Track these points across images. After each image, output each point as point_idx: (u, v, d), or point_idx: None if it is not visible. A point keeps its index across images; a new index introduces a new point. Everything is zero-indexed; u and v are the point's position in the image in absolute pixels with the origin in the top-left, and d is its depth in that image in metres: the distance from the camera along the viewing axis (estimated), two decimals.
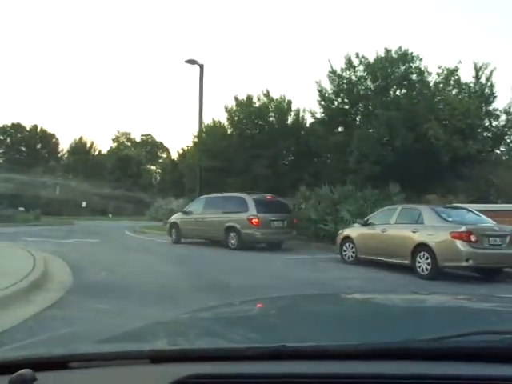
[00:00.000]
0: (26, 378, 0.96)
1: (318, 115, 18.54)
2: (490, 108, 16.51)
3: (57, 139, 55.21)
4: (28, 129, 53.81)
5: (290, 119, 19.74)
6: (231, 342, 1.28)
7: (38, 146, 53.97)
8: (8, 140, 53.42)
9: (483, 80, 16.30)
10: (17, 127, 53.38)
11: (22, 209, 31.02)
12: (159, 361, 1.04)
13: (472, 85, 16.38)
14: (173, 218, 17.25)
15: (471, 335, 1.05)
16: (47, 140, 54.35)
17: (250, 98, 19.65)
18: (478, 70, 16.28)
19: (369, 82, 17.09)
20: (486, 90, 16.28)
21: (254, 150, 18.45)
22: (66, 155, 55.11)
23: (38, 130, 54.15)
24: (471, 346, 1.03)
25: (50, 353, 1.15)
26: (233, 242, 14.75)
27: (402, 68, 16.62)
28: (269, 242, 15.00)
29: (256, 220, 14.42)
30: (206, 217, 15.65)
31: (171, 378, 0.94)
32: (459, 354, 1.01)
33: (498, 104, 16.23)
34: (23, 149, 53.19)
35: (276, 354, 1.01)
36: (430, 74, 16.73)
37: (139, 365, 1.05)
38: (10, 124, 53.18)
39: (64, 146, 55.86)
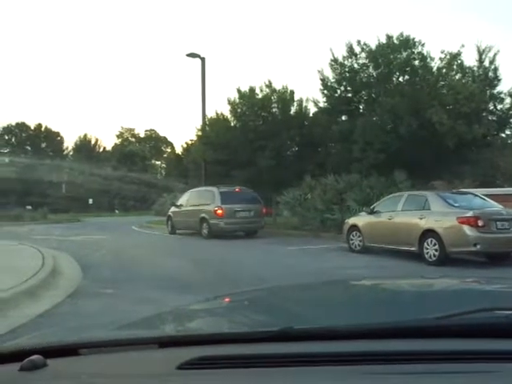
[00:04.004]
0: (36, 364, 0.97)
1: (321, 104, 18.52)
2: (495, 91, 16.41)
3: (61, 137, 55.45)
4: (32, 128, 54.00)
5: (293, 109, 19.66)
6: (239, 326, 1.29)
7: (43, 145, 54.18)
8: (13, 140, 53.65)
9: (487, 63, 16.19)
10: (21, 126, 53.58)
11: (29, 207, 31.26)
12: (167, 345, 1.06)
13: (475, 68, 16.28)
14: (169, 211, 18.42)
15: (478, 312, 1.06)
16: (52, 138, 54.54)
17: (252, 90, 19.59)
18: (481, 53, 16.17)
19: (371, 70, 17.01)
20: (490, 74, 16.17)
21: (257, 142, 18.41)
22: (71, 153, 55.30)
23: (43, 128, 54.34)
24: (478, 323, 1.04)
25: (61, 340, 1.17)
26: (205, 231, 15.79)
27: (404, 54, 16.51)
28: (235, 230, 15.83)
29: (220, 211, 15.44)
30: (188, 209, 16.79)
31: (180, 360, 0.95)
32: (467, 330, 1.02)
33: (503, 87, 16.16)
34: (28, 148, 53.40)
35: (283, 336, 1.02)
36: (432, 59, 16.62)
37: (148, 349, 1.06)
38: (14, 124, 53.42)
39: (69, 143, 56.11)
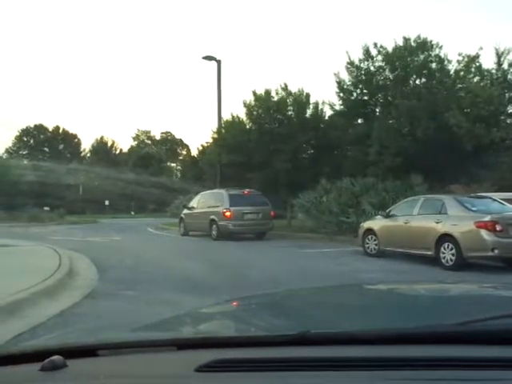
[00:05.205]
0: (56, 364, 0.99)
1: (337, 107, 18.47)
2: None
3: (79, 139, 56.15)
4: (50, 130, 54.70)
5: (308, 112, 19.63)
6: (256, 329, 1.29)
7: (61, 147, 54.87)
8: (31, 141, 54.40)
9: (505, 66, 15.99)
10: (39, 128, 54.32)
11: (47, 208, 31.62)
12: (186, 347, 1.06)
13: (494, 71, 16.07)
14: (182, 214, 18.71)
15: (498, 318, 1.05)
16: (69, 140, 55.23)
17: (268, 93, 19.61)
18: (499, 55, 15.97)
19: (387, 72, 16.92)
20: (509, 76, 15.96)
21: (273, 145, 18.41)
22: (88, 155, 55.89)
23: (60, 130, 55.04)
24: (498, 329, 1.02)
25: (80, 341, 1.19)
26: (214, 233, 16.00)
27: (422, 57, 16.40)
28: (243, 232, 15.95)
29: (228, 213, 15.64)
30: (199, 211, 17.05)
31: (198, 362, 0.95)
32: (487, 337, 1.01)
33: None
34: (46, 150, 54.09)
35: (301, 340, 1.01)
36: (450, 61, 16.50)
37: (166, 352, 1.06)
38: (32, 126, 54.18)
39: (86, 145, 56.76)
